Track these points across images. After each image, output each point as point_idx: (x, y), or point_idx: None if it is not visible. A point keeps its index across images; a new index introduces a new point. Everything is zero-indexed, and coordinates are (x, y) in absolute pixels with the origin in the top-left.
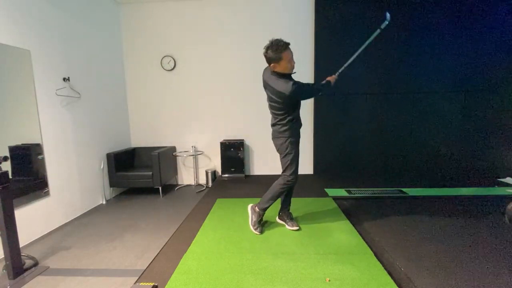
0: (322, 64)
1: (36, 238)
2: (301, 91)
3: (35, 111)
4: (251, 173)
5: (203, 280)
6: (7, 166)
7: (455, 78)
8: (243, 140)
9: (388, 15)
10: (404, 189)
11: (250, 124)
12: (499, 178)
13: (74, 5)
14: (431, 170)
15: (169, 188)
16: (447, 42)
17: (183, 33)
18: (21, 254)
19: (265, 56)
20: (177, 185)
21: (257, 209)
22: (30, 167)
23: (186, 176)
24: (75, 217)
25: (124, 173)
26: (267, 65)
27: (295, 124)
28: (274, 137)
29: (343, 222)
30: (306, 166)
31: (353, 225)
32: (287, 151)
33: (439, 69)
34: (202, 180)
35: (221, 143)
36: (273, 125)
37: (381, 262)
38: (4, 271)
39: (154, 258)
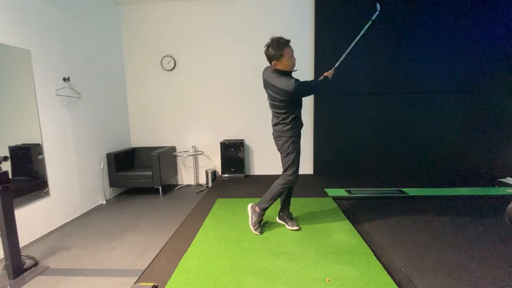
0: (322, 64)
1: (36, 238)
2: (304, 87)
3: (35, 111)
4: (251, 173)
5: (203, 280)
6: (7, 166)
7: (455, 78)
8: (243, 140)
9: (378, 6)
10: (404, 189)
11: (250, 124)
12: (499, 178)
13: (74, 5)
14: (431, 170)
15: (169, 188)
16: (447, 42)
17: (183, 33)
18: (21, 254)
19: (266, 54)
20: (177, 185)
21: (257, 209)
22: (30, 167)
23: (186, 176)
24: (75, 217)
25: (124, 173)
26: (267, 65)
27: (298, 123)
28: (276, 137)
29: (343, 222)
30: (306, 166)
31: (353, 225)
32: (288, 150)
33: (439, 69)
34: (202, 180)
35: (221, 143)
36: (275, 124)
37: (381, 262)
38: (4, 271)
39: (154, 258)
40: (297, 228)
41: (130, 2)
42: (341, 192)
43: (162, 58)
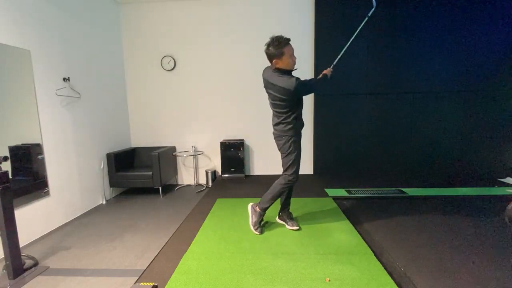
0: (322, 63)
1: (36, 238)
2: (304, 86)
3: (35, 111)
4: (251, 173)
5: (203, 280)
6: (7, 166)
7: (455, 78)
8: (243, 140)
9: (374, 1)
10: (404, 189)
11: (250, 124)
12: (499, 178)
13: (74, 5)
14: (431, 170)
15: (169, 188)
16: (447, 42)
17: (183, 33)
18: (21, 254)
19: (267, 53)
20: (177, 185)
21: (257, 209)
22: (30, 167)
23: (186, 176)
24: (75, 217)
25: (124, 173)
26: (267, 64)
27: (299, 122)
28: (277, 136)
29: (343, 222)
30: (306, 166)
31: (353, 225)
32: (289, 150)
33: (439, 69)
34: (202, 180)
35: (221, 143)
36: (276, 124)
37: (381, 262)
38: (4, 271)
39: (154, 258)
40: (297, 228)
41: (130, 2)
42: (341, 192)
43: (162, 58)
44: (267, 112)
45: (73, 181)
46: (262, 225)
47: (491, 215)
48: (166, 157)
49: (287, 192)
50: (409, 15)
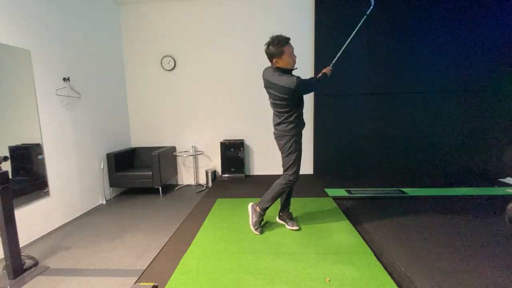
0: (322, 63)
1: (36, 238)
2: (305, 84)
3: (35, 111)
4: (251, 173)
5: (203, 280)
6: (7, 166)
7: (455, 78)
8: (243, 140)
9: (372, 0)
10: (404, 189)
11: (250, 124)
12: (499, 178)
13: (74, 5)
14: (431, 170)
15: (169, 188)
16: (447, 42)
17: (183, 33)
18: (21, 254)
19: (267, 52)
20: (177, 185)
21: (258, 208)
22: (30, 167)
23: (186, 176)
24: (75, 217)
25: (124, 173)
26: (267, 64)
27: (300, 122)
28: (278, 136)
29: (343, 222)
30: (306, 166)
31: (353, 225)
32: (290, 150)
33: (439, 69)
34: (202, 180)
35: (221, 143)
36: (277, 124)
37: (381, 262)
38: (4, 271)
39: (154, 258)
40: (297, 228)
41: (130, 2)
42: (341, 192)
43: (162, 58)
44: (267, 112)
45: (73, 181)
46: (262, 225)
47: (491, 215)
48: (166, 157)
49: (287, 192)
50: (409, 15)
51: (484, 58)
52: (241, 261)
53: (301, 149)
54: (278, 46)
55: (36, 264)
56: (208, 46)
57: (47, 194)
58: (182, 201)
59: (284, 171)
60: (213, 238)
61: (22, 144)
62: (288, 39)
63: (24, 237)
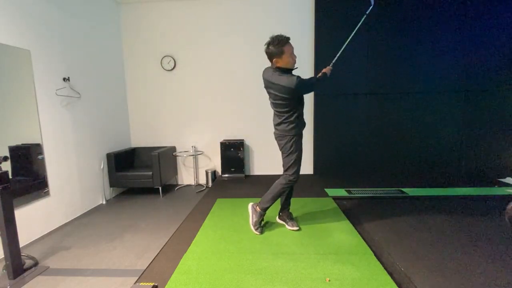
0: (322, 63)
1: (36, 238)
2: (305, 83)
3: (35, 111)
4: (251, 173)
5: (203, 280)
6: (7, 166)
7: (455, 78)
8: (243, 140)
9: (372, 0)
10: (404, 189)
11: (250, 124)
12: (499, 178)
13: (74, 5)
14: (431, 170)
15: (169, 188)
16: (447, 42)
17: (183, 33)
18: (21, 254)
19: (267, 52)
20: (177, 185)
21: (258, 208)
22: (30, 167)
23: (186, 176)
24: (75, 217)
25: (124, 173)
26: (267, 64)
27: (301, 121)
28: (278, 136)
29: (343, 222)
30: (306, 166)
31: (353, 225)
32: (291, 150)
33: (439, 69)
34: (202, 180)
35: (221, 143)
36: (278, 124)
37: (381, 262)
38: (4, 271)
39: (154, 258)
40: (297, 228)
41: (130, 2)
42: (341, 192)
43: (162, 58)
44: (267, 112)
45: (73, 181)
46: (263, 225)
47: (491, 215)
48: (166, 157)
49: (287, 192)
50: (409, 15)
51: (484, 58)
52: (241, 261)
53: (301, 149)
54: (278, 45)
55: (36, 264)
56: (208, 46)
57: (47, 194)
58: (182, 201)
59: (285, 171)
60: (213, 238)
61: (22, 144)
62: (288, 38)
63: (24, 237)
